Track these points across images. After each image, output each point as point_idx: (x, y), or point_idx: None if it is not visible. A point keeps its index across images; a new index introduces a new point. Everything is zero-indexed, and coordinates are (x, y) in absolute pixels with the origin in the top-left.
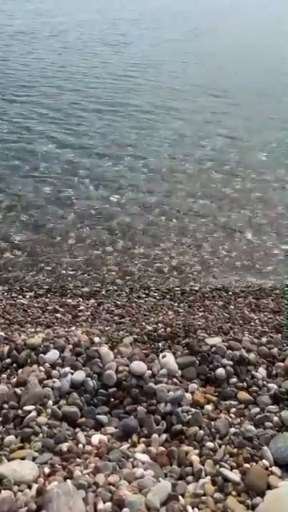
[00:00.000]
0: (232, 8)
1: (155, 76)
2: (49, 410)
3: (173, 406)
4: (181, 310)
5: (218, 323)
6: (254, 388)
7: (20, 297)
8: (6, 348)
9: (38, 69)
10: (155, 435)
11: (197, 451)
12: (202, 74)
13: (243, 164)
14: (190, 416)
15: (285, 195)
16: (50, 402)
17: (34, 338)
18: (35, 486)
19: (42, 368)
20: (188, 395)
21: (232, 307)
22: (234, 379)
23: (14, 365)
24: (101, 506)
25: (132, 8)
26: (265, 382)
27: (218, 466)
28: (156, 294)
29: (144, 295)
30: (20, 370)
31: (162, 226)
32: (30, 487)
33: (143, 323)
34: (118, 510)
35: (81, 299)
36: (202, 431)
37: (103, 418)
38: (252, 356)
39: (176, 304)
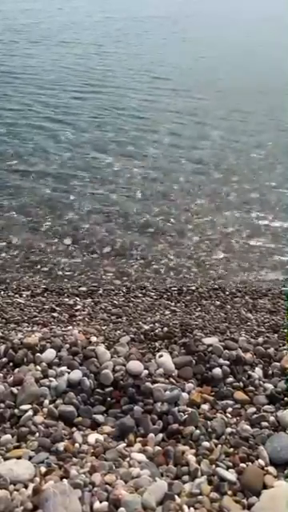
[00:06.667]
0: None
1: (154, 76)
2: (45, 410)
3: (169, 406)
4: (178, 310)
5: (215, 323)
6: (251, 388)
7: (17, 296)
8: (3, 347)
9: (30, 66)
10: (152, 435)
11: (193, 451)
12: (199, 75)
13: (240, 164)
14: (187, 415)
15: (282, 195)
16: (47, 402)
17: (31, 337)
18: (31, 486)
19: (38, 367)
20: (184, 395)
21: (229, 307)
22: (231, 379)
23: (11, 364)
24: (97, 505)
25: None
26: (261, 382)
27: (214, 466)
28: (153, 294)
29: (141, 295)
30: (16, 369)
31: (160, 227)
32: (26, 486)
33: (140, 323)
34: (114, 510)
35: (78, 298)
36: (198, 431)
37: (100, 417)
38: (248, 356)
39: (173, 304)
